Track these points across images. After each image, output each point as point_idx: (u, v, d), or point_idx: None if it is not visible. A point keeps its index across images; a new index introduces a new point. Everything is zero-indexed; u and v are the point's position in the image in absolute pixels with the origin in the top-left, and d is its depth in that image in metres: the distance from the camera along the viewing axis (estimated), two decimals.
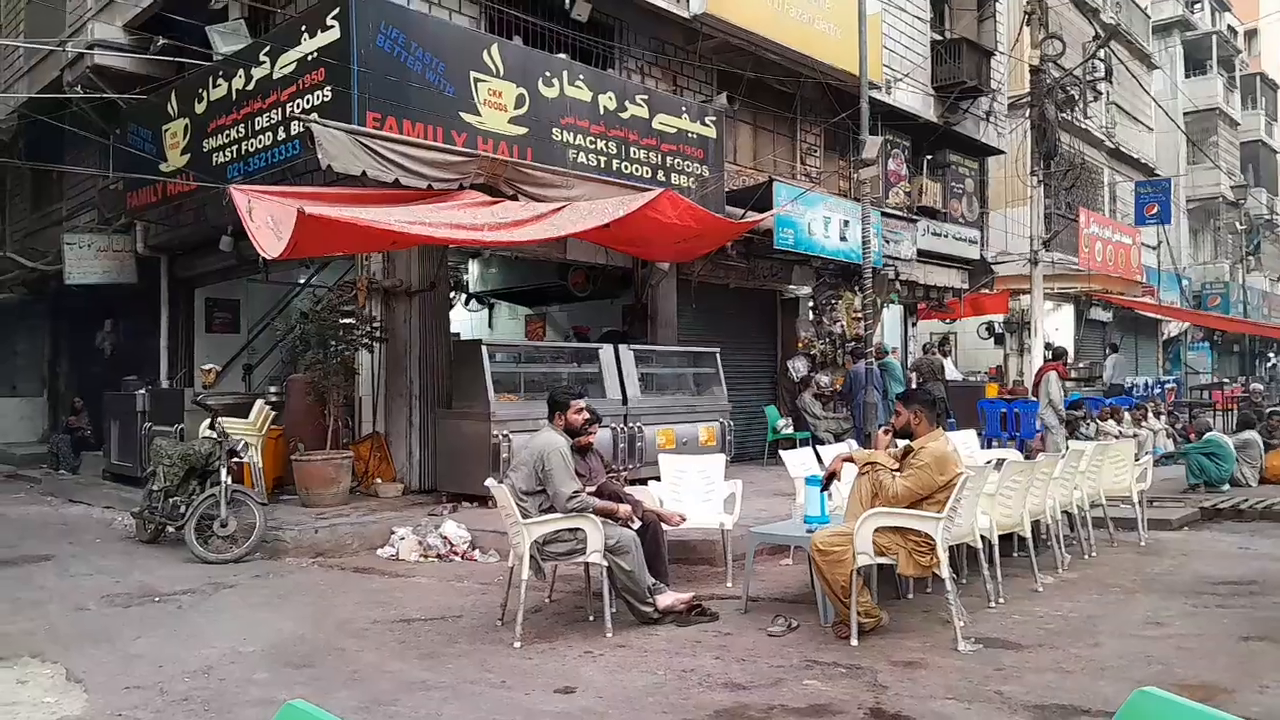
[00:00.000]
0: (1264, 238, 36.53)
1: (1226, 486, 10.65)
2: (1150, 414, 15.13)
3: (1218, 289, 32.95)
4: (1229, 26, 38.57)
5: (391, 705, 4.29)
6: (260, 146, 9.64)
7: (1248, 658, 4.85)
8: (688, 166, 11.68)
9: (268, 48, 9.62)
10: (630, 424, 10.45)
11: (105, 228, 13.67)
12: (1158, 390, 21.80)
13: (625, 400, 10.55)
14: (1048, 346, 15.70)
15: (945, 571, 5.09)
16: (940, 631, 5.28)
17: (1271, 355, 37.52)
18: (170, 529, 8.28)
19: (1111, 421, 13.84)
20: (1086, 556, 7.46)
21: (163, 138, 11.28)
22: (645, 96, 11.39)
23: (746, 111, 14.63)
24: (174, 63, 10.98)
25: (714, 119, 12.19)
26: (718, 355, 12.12)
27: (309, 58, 9.00)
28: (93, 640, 5.45)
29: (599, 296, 13.56)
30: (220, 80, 10.23)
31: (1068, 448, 9.06)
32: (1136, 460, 8.61)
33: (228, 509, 7.81)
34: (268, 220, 7.54)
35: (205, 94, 10.47)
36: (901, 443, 5.59)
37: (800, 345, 14.87)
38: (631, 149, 11.04)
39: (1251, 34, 42.08)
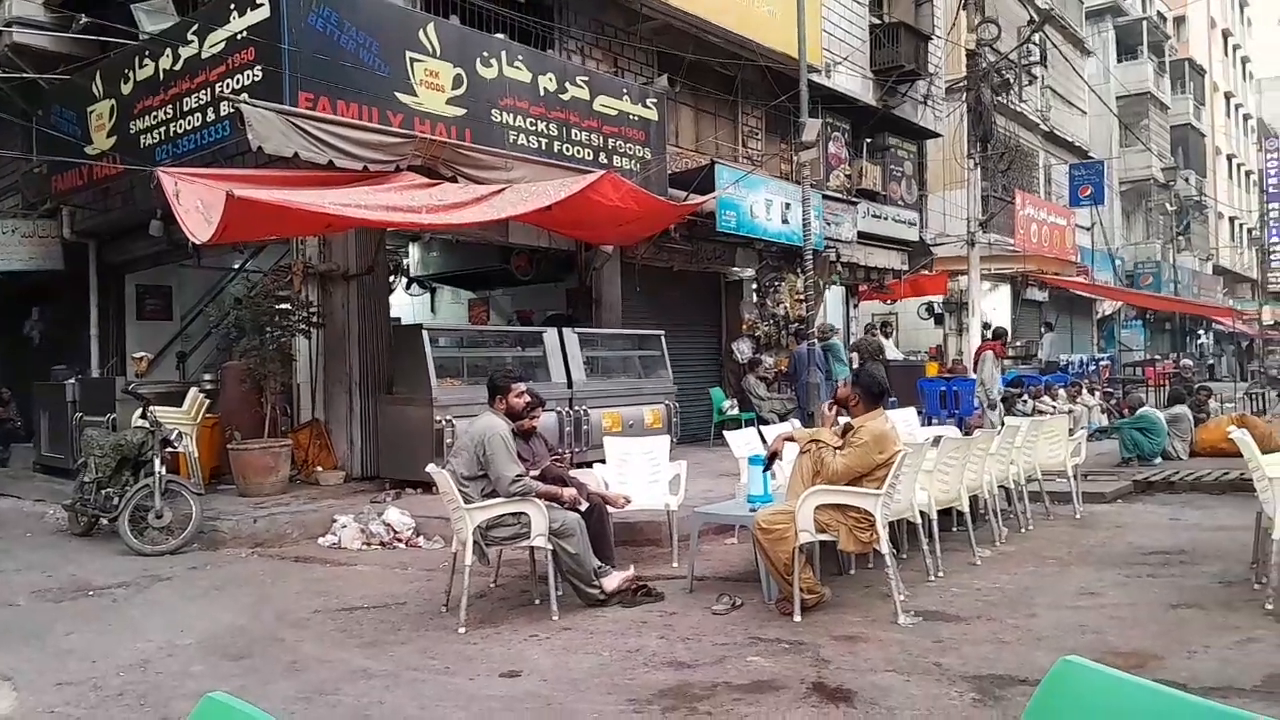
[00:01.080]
0: (1193, 218, 37.56)
1: (1158, 460, 10.93)
2: (1085, 390, 15.49)
3: (1150, 268, 33.83)
4: (1159, 13, 39.48)
5: (333, 694, 4.23)
6: (189, 128, 9.38)
7: (1177, 625, 4.99)
8: (629, 149, 11.63)
9: (195, 26, 9.34)
10: (576, 407, 10.42)
11: (30, 213, 13.20)
12: (1092, 367, 22.34)
13: (570, 384, 10.51)
14: (987, 326, 16.01)
15: (885, 547, 5.15)
16: (881, 606, 5.35)
17: (1201, 333, 38.69)
18: (104, 521, 8.06)
19: (1046, 398, 14.14)
20: (1023, 530, 7.62)
21: (88, 119, 10.92)
22: (586, 78, 11.30)
23: (688, 94, 14.61)
24: (98, 41, 10.61)
25: (655, 101, 12.15)
26: (663, 338, 12.12)
27: (238, 36, 8.77)
28: (23, 637, 5.29)
29: (542, 280, 13.48)
30: (147, 60, 9.92)
31: (1001, 424, 9.23)
32: (1071, 435, 8.81)
33: (162, 500, 7.62)
34: (196, 204, 7.34)
35: (131, 74, 10.16)
36: (842, 419, 5.65)
37: (744, 327, 14.96)
38: (572, 131, 10.96)
39: (1180, 20, 43.11)
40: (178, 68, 9.52)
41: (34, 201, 13.13)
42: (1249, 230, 49.20)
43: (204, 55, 9.17)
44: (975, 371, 13.32)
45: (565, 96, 10.90)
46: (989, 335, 14.85)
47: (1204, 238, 40.76)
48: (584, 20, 12.89)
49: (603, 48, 13.19)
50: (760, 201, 13.48)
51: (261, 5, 8.57)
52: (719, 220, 12.65)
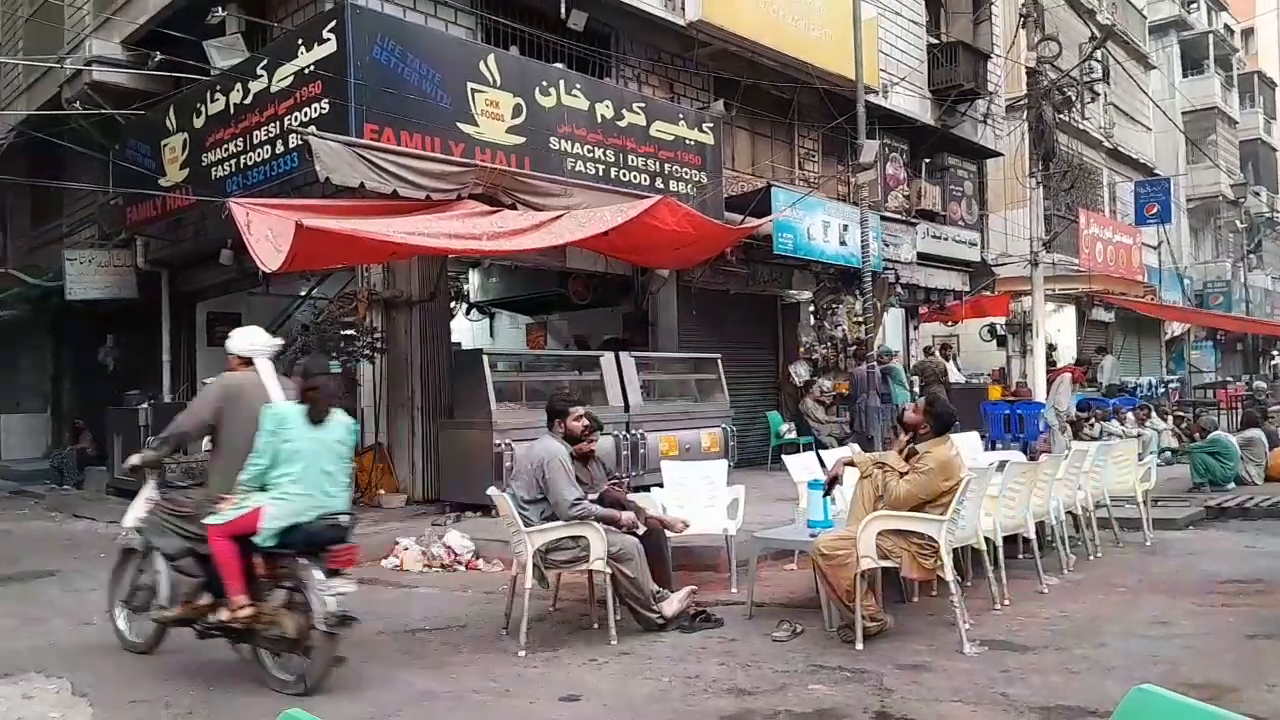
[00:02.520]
0: (1265, 235, 36.51)
1: (1231, 485, 10.63)
2: (1154, 413, 15.11)
3: (1219, 288, 32.90)
4: (1225, 25, 38.59)
5: (396, 716, 4.29)
6: (258, 160, 9.66)
7: (1254, 656, 4.84)
8: (685, 173, 11.70)
9: (265, 61, 9.64)
10: (633, 431, 10.45)
11: (106, 243, 13.69)
12: (1161, 390, 21.77)
13: (627, 407, 10.54)
14: (1052, 348, 15.69)
15: (949, 574, 5.08)
16: (945, 634, 5.27)
17: (1275, 353, 37.44)
18: None
19: (1115, 421, 13.82)
20: (1091, 557, 7.44)
21: (161, 152, 11.30)
22: (642, 104, 11.41)
23: (743, 117, 14.64)
24: (172, 77, 11.01)
25: (711, 125, 12.20)
26: (719, 361, 12.10)
27: (306, 70, 9.03)
28: (97, 655, 5.44)
29: (599, 304, 13.55)
30: (218, 94, 10.25)
31: (1069, 449, 9.04)
32: (1140, 460, 8.60)
33: None
34: (266, 233, 7.55)
35: (203, 108, 10.50)
36: (901, 436, 5.60)
37: (801, 350, 14.86)
38: (629, 156, 11.05)
39: (1248, 33, 42.11)
40: (248, 101, 9.81)
41: (110, 232, 13.61)
42: None
43: (273, 89, 9.45)
44: (1050, 393, 13.05)
45: (622, 123, 11.01)
46: (1055, 358, 14.58)
47: (1276, 255, 39.56)
48: (639, 48, 13.02)
49: (658, 74, 13.30)
50: (817, 223, 13.43)
51: (329, 40, 8.82)
52: (776, 243, 12.62)
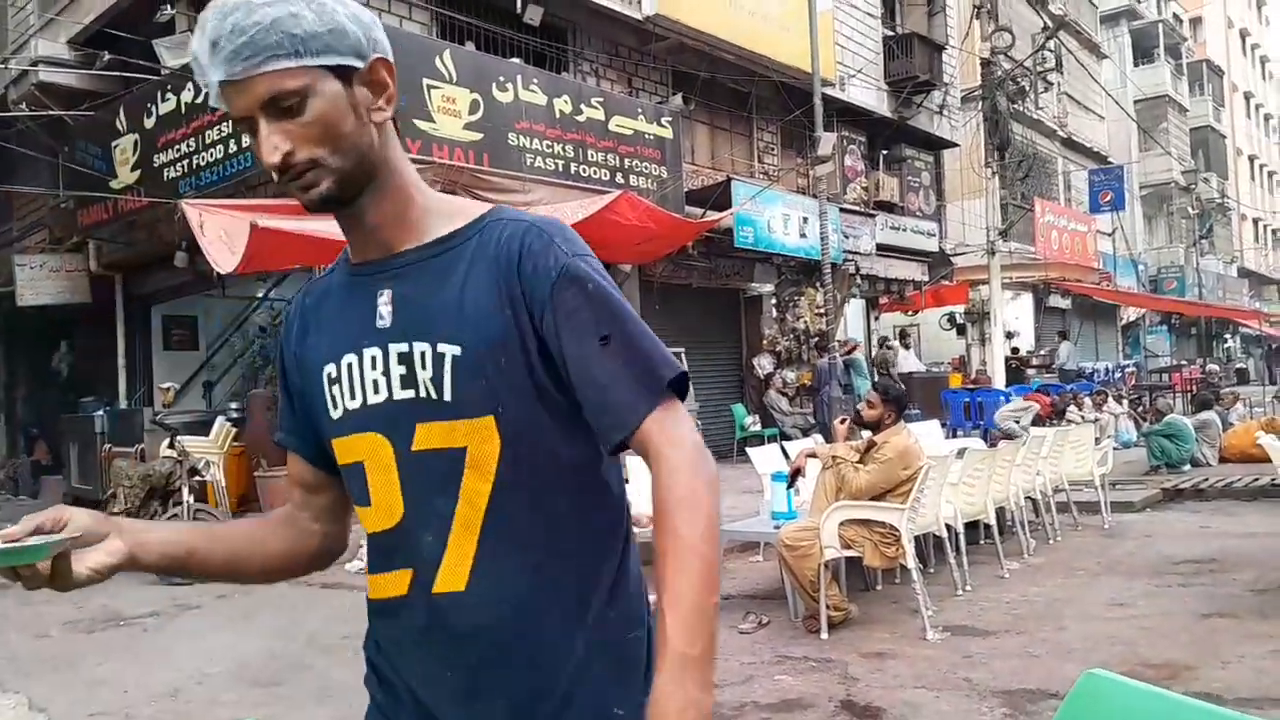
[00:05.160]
0: (1216, 221, 37.22)
1: (1187, 467, 10.82)
2: (1111, 398, 15.35)
3: (1173, 273, 33.53)
4: (1174, 15, 39.31)
5: None
6: (212, 160, 9.53)
7: (1209, 634, 4.93)
8: (646, 168, 11.70)
9: None
10: None
11: (57, 247, 13.42)
12: (1118, 374, 22.13)
13: None
14: (1009, 336, 15.90)
15: (911, 562, 5.13)
16: (909, 621, 5.32)
17: (1228, 337, 38.25)
18: None
19: (1072, 407, 14.03)
20: (1051, 541, 7.55)
21: (112, 154, 11.11)
22: (601, 99, 11.39)
23: (702, 111, 14.67)
24: (121, 77, 10.82)
25: (670, 120, 12.22)
26: (683, 355, 12.14)
27: None
28: (55, 667, 5.35)
29: None
30: (169, 94, 10.10)
31: (1028, 434, 9.16)
32: (1097, 444, 8.73)
33: None
34: (221, 234, 7.45)
35: (154, 109, 10.33)
36: (865, 433, 5.64)
37: (765, 342, 14.94)
38: (589, 152, 11.04)
39: (1196, 21, 42.89)
40: (199, 101, 9.66)
41: (61, 236, 13.34)
42: (1274, 231, 48.73)
43: None
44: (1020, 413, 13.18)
45: (581, 118, 10.99)
46: (1016, 345, 14.76)
47: (1228, 240, 40.37)
48: (597, 42, 13.00)
49: (616, 68, 13.28)
50: (777, 216, 13.50)
51: None
52: (737, 236, 12.68)
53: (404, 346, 1.20)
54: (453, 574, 1.20)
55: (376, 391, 1.22)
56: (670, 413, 1.17)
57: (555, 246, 1.19)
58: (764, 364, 14.39)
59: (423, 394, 1.19)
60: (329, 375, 1.26)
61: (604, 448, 1.22)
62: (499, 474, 1.19)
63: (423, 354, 1.19)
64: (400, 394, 1.21)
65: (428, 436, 1.20)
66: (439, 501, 1.20)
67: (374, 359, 1.22)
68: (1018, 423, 12.58)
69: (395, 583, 1.24)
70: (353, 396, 1.24)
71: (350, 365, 1.24)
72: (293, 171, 1.17)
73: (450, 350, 1.18)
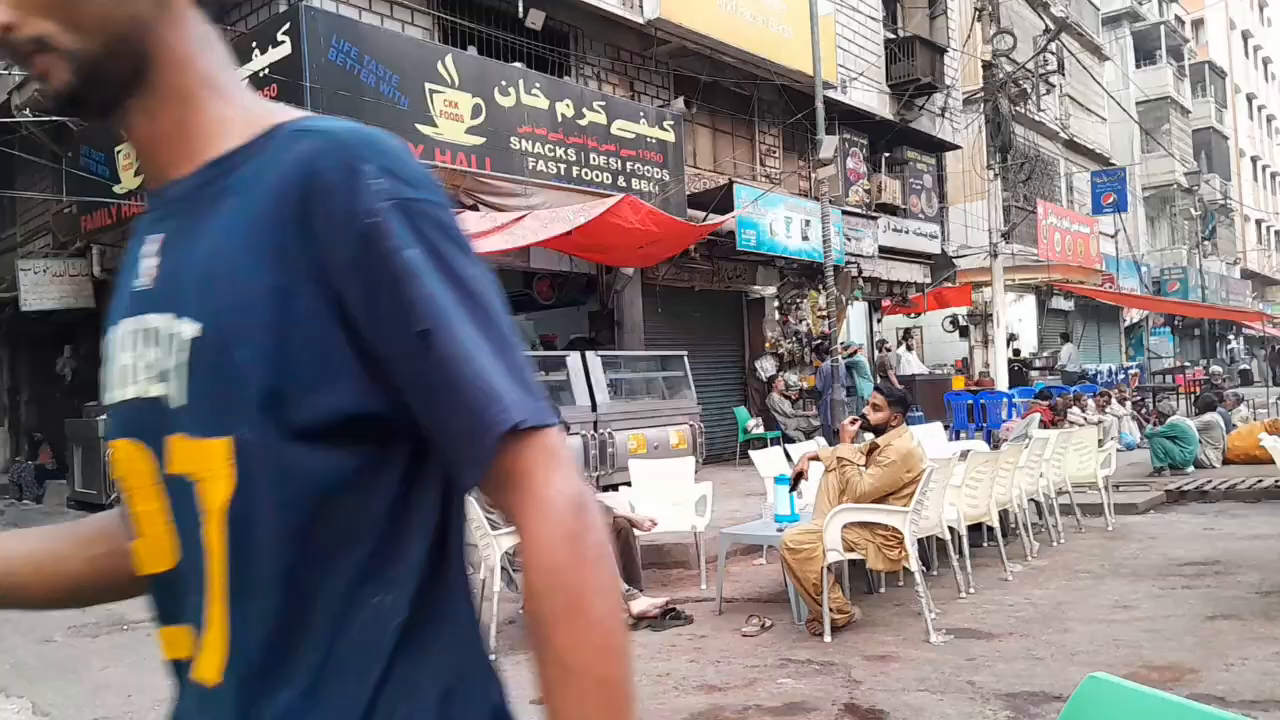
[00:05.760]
0: (1219, 222, 37.19)
1: (1191, 469, 10.81)
2: (1114, 400, 15.33)
3: (1176, 274, 33.49)
4: (1176, 16, 39.29)
5: None
6: None
7: (1214, 636, 4.92)
8: (647, 171, 11.71)
9: None
10: (600, 430, 10.44)
11: (60, 252, 13.45)
12: (1121, 376, 22.10)
13: (595, 407, 10.53)
14: (1012, 338, 15.89)
15: (914, 564, 5.13)
16: (912, 624, 5.32)
17: (1231, 338, 38.19)
18: None
19: (1076, 409, 14.01)
20: (1055, 544, 7.55)
21: (116, 159, 11.12)
22: (603, 103, 11.41)
23: (704, 115, 14.69)
24: None
25: (672, 123, 12.23)
26: (685, 358, 12.14)
27: (261, 74, 8.92)
28: (59, 672, 5.35)
29: (564, 304, 13.54)
30: None
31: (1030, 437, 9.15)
32: (1100, 446, 8.73)
33: None
34: None
35: None
36: (868, 436, 5.64)
37: (767, 345, 14.95)
38: (591, 155, 11.05)
39: (1198, 23, 42.87)
40: None
41: (64, 241, 13.37)
42: (1277, 233, 48.67)
43: None
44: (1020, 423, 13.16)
45: (583, 122, 11.00)
46: (1017, 347, 14.74)
47: (1231, 241, 40.34)
48: (599, 46, 13.01)
49: (619, 72, 13.30)
50: (780, 219, 13.50)
51: (284, 43, 8.73)
52: (739, 239, 12.68)
53: (156, 320, 0.85)
54: (210, 659, 0.83)
55: (132, 381, 0.87)
56: (532, 452, 0.79)
57: (363, 178, 0.78)
58: (766, 367, 14.40)
59: (170, 391, 0.83)
60: (104, 354, 0.94)
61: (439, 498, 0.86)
62: (231, 533, 0.80)
63: (169, 333, 0.83)
64: (153, 388, 0.84)
65: (178, 455, 0.82)
66: (196, 552, 0.83)
67: (128, 335, 0.89)
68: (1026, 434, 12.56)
69: (181, 641, 0.88)
70: (110, 386, 0.92)
71: (112, 342, 0.92)
72: (19, 56, 0.81)
73: (186, 329, 0.81)
